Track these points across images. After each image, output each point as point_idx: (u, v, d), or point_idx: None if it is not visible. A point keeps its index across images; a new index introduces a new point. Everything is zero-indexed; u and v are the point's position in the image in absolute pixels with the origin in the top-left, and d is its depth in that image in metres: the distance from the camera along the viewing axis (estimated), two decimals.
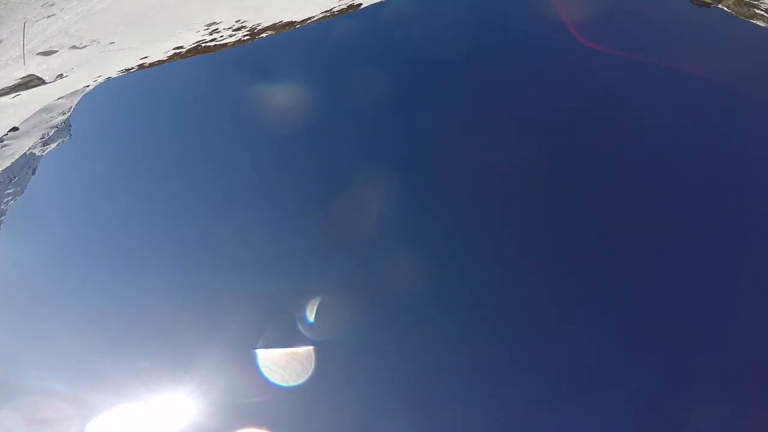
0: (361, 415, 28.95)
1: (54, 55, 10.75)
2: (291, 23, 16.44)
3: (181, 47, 15.60)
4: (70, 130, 28.17)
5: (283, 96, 31.08)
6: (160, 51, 15.69)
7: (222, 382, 27.35)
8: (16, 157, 24.14)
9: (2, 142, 22.76)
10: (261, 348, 27.02)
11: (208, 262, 36.16)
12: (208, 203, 37.45)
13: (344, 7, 17.35)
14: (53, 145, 27.48)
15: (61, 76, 12.62)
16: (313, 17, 17.02)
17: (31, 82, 11.96)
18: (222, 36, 15.35)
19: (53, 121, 25.75)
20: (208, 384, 26.82)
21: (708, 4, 16.81)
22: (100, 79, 18.38)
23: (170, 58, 16.54)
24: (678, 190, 27.27)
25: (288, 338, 30.28)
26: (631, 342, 26.76)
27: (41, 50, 10.28)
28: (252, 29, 15.67)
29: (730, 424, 22.60)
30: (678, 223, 26.91)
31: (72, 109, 26.18)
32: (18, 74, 11.31)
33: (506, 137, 29.65)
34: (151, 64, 16.88)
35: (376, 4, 19.27)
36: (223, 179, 37.61)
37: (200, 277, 35.68)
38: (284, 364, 26.61)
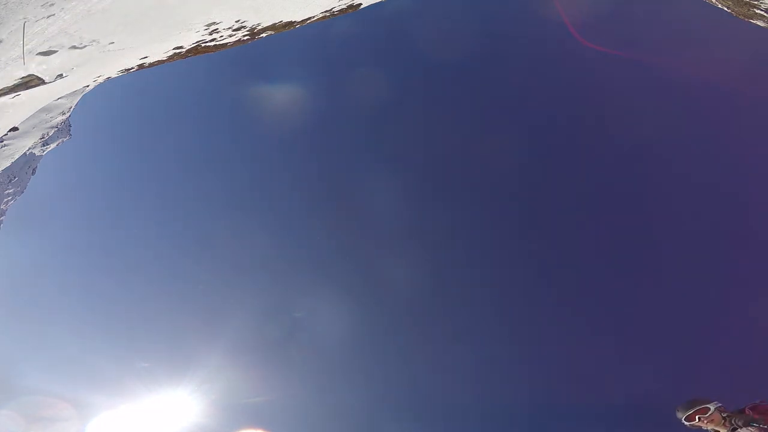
0: (361, 415, 28.96)
1: (54, 55, 10.74)
2: (291, 23, 16.43)
3: (181, 47, 15.61)
4: (69, 130, 28.16)
5: (282, 96, 31.11)
6: (159, 51, 15.69)
7: (222, 382, 27.42)
8: (16, 157, 24.13)
9: (2, 142, 22.76)
10: None
11: (208, 262, 36.16)
12: (208, 203, 37.50)
13: (344, 7, 17.34)
14: (53, 145, 27.48)
15: (61, 76, 12.61)
16: (313, 17, 17.01)
17: (30, 82, 11.94)
18: (222, 36, 15.34)
19: (53, 121, 25.75)
20: (208, 384, 26.88)
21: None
22: (100, 79, 18.36)
23: (170, 58, 16.54)
24: (678, 190, 27.30)
25: (288, 338, 30.25)
26: (632, 342, 26.76)
27: (41, 50, 10.27)
28: (252, 29, 15.66)
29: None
30: (678, 223, 26.92)
31: (72, 109, 26.18)
32: (18, 74, 11.30)
33: (506, 138, 29.69)
34: (151, 64, 16.87)
35: (376, 4, 19.27)
36: (222, 179, 37.66)
37: (200, 277, 35.71)
38: None
